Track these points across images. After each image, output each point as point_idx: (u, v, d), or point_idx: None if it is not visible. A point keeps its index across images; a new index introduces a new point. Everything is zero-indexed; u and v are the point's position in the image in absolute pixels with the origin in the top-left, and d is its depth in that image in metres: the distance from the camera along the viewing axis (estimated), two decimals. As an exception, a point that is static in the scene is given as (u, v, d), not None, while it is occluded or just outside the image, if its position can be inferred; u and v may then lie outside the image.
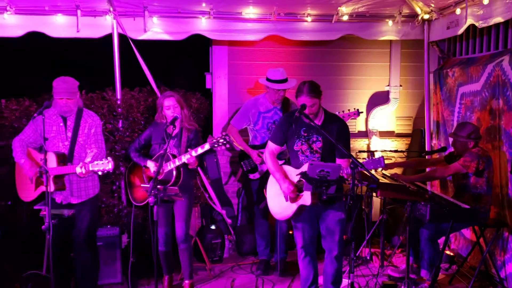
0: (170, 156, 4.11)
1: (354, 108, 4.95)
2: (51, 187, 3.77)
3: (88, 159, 3.81)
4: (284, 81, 4.67)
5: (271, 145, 3.82)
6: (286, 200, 3.68)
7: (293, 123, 3.62)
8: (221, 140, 3.94)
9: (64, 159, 3.84)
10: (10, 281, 4.33)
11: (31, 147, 3.98)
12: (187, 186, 4.27)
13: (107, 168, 3.66)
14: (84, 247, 4.05)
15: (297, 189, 3.65)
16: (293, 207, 3.64)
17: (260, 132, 4.78)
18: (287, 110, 4.65)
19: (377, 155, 5.74)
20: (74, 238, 4.11)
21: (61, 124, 3.92)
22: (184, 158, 4.02)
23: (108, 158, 3.69)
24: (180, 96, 4.27)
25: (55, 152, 3.83)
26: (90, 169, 3.67)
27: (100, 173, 3.68)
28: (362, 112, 5.02)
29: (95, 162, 3.67)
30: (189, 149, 4.05)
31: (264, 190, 3.95)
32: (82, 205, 3.99)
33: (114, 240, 4.51)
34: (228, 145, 3.98)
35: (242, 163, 4.85)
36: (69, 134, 3.91)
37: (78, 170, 3.68)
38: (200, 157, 4.16)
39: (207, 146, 3.98)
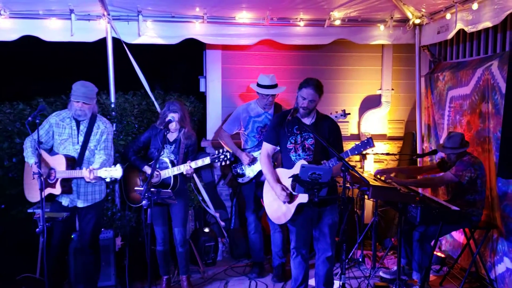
0: (169, 162, 4.17)
1: (341, 110, 5.02)
2: (59, 190, 3.82)
3: (96, 165, 3.82)
4: (272, 87, 4.73)
5: (265, 145, 3.91)
6: (284, 203, 3.72)
7: (285, 126, 3.72)
8: (222, 156, 4.13)
9: (74, 163, 3.87)
10: (4, 284, 4.34)
11: (42, 148, 3.94)
12: (182, 191, 4.32)
13: (115, 175, 3.69)
14: (89, 251, 4.09)
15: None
16: (293, 207, 3.67)
17: (250, 136, 4.84)
18: None
19: (369, 158, 5.81)
20: (73, 243, 4.17)
21: (74, 128, 3.95)
22: (183, 169, 4.11)
23: (117, 165, 3.71)
24: (186, 113, 4.25)
25: (65, 155, 3.86)
26: (98, 175, 3.70)
27: (107, 179, 3.71)
28: (349, 114, 5.09)
29: (103, 169, 3.70)
30: (188, 161, 4.14)
31: (261, 199, 3.99)
32: (88, 209, 4.02)
33: (108, 243, 4.53)
34: (228, 162, 4.14)
35: (231, 167, 4.90)
36: (81, 138, 3.94)
37: (86, 175, 3.70)
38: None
39: (207, 161, 4.12)
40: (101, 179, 3.73)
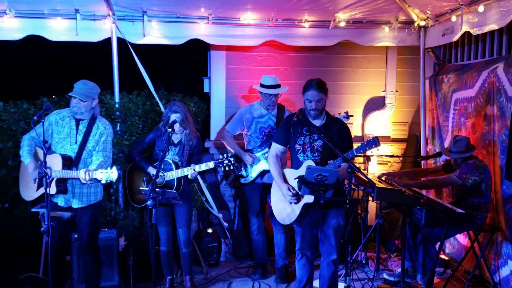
0: (173, 164, 4.17)
1: (343, 112, 5.00)
2: (54, 190, 3.77)
3: (93, 167, 3.78)
4: (276, 86, 4.73)
5: (274, 146, 3.91)
6: (290, 203, 3.72)
7: (291, 127, 3.72)
8: (226, 161, 4.15)
9: (70, 162, 3.83)
10: (6, 283, 4.34)
11: (39, 147, 3.90)
12: (187, 192, 4.34)
13: (110, 177, 3.64)
14: (87, 253, 4.06)
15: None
16: (298, 207, 3.67)
17: (253, 137, 4.84)
18: (282, 116, 4.71)
19: (373, 160, 5.81)
20: (76, 243, 4.16)
21: (73, 127, 3.91)
22: (188, 172, 4.13)
23: (113, 167, 3.65)
24: (188, 114, 4.24)
25: (61, 154, 3.81)
26: (94, 176, 3.64)
27: (103, 181, 3.66)
28: (352, 116, 5.06)
29: (99, 171, 3.65)
30: (192, 164, 4.17)
31: (268, 199, 3.99)
32: (83, 211, 3.97)
33: (111, 243, 4.52)
34: (232, 167, 4.17)
35: (234, 167, 4.89)
36: (79, 138, 3.88)
37: (82, 176, 3.65)
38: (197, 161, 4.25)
39: (211, 165, 4.15)
40: (97, 181, 3.68)
